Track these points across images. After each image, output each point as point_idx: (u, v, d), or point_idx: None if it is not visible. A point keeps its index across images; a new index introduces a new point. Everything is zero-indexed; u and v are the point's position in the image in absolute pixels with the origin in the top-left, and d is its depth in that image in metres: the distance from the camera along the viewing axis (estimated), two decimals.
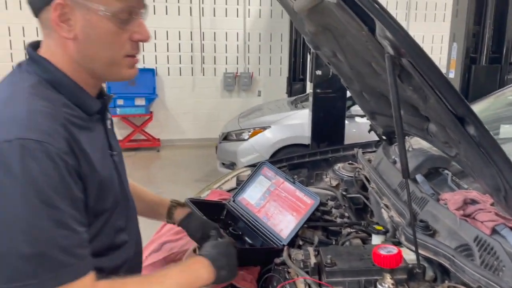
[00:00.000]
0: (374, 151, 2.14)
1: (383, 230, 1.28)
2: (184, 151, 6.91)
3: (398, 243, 1.26)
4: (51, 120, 0.78)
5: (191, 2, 6.83)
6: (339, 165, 2.05)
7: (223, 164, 4.96)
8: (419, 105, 1.26)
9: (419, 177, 1.47)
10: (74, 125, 0.83)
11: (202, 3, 6.86)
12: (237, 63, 7.24)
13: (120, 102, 6.48)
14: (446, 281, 1.02)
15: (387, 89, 1.46)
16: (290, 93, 6.64)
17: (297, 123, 4.66)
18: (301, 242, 1.40)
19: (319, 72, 3.68)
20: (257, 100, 7.14)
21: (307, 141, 4.38)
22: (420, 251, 1.11)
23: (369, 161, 1.97)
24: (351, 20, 1.00)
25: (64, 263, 0.74)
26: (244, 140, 4.78)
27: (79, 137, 0.82)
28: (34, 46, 0.90)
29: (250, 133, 4.78)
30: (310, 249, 1.21)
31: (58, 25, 0.83)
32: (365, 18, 0.92)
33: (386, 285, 0.99)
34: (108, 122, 1.01)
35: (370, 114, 1.94)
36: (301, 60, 6.57)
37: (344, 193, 1.84)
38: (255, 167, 1.62)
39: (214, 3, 6.94)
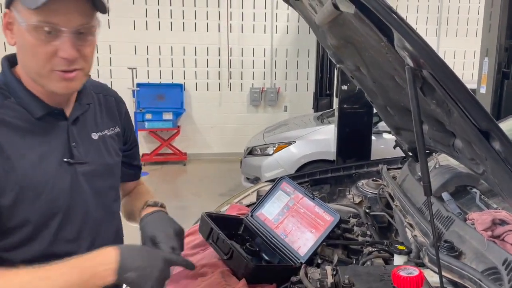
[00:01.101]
0: (400, 168, 2.07)
1: (406, 250, 1.22)
2: (209, 165, 6.94)
3: (421, 265, 1.20)
4: None
5: (219, 19, 6.95)
6: (363, 181, 1.99)
7: (248, 178, 4.94)
8: (443, 120, 1.21)
9: (445, 195, 1.40)
10: (7, 124, 0.89)
11: (230, 19, 6.96)
12: (264, 79, 7.27)
13: (148, 116, 6.61)
14: None
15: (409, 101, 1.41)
16: (316, 108, 6.60)
17: (323, 139, 4.61)
18: (319, 261, 1.35)
19: (345, 87, 3.64)
20: (283, 115, 7.13)
21: (332, 156, 4.31)
22: (444, 274, 1.04)
23: (394, 178, 1.90)
24: (370, 31, 0.98)
25: None
26: (268, 155, 4.76)
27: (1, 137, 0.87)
28: (10, 57, 0.98)
29: (274, 148, 4.76)
30: (328, 268, 1.16)
31: (5, 32, 0.91)
32: (384, 28, 0.89)
33: None
34: (86, 129, 1.03)
35: (395, 129, 1.89)
36: (328, 75, 6.54)
37: (367, 210, 1.78)
38: (274, 182, 1.59)
39: (242, 20, 7.03)
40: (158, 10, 6.80)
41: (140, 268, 0.86)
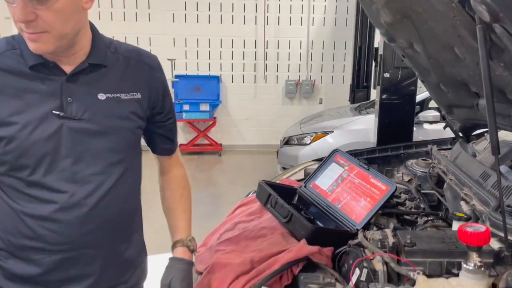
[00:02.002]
0: (449, 149, 2.06)
1: (465, 216, 1.23)
2: (244, 156, 7.02)
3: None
4: None
5: (256, 11, 7.00)
6: (412, 161, 2.00)
7: (284, 168, 4.97)
8: (507, 88, 1.21)
9: (503, 168, 1.40)
10: (7, 69, 0.96)
11: (267, 12, 7.00)
12: (299, 71, 7.28)
13: (186, 107, 6.74)
14: None
15: (469, 74, 1.42)
16: (353, 100, 6.55)
17: (361, 129, 4.58)
18: (375, 229, 1.38)
19: (387, 75, 3.61)
20: (318, 108, 7.11)
21: (371, 147, 4.28)
22: (509, 236, 1.05)
23: (446, 157, 1.90)
24: None
25: None
26: (305, 144, 4.78)
27: None
28: None
29: (312, 138, 4.77)
30: (388, 230, 1.19)
31: None
32: None
33: (472, 264, 0.95)
34: (93, 87, 1.04)
35: (447, 107, 1.88)
36: (365, 67, 6.47)
37: (418, 188, 1.78)
38: (328, 155, 1.63)
39: (279, 12, 7.06)
40: (197, 3, 6.92)
41: None
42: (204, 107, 6.81)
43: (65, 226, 1.01)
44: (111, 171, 1.06)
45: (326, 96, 7.36)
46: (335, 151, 1.62)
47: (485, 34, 0.92)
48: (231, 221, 1.56)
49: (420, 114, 4.29)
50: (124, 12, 6.81)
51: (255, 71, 7.20)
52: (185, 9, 6.91)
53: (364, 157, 2.14)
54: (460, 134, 1.97)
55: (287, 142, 5.05)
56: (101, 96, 1.04)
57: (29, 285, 1.03)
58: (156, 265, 1.31)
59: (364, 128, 4.52)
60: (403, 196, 1.68)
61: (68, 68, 1.01)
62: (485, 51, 0.92)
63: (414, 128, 4.21)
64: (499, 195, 1.07)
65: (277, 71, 7.24)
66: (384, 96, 3.74)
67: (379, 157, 2.12)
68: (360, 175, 1.48)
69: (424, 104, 4.57)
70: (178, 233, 1.23)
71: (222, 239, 1.42)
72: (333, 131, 4.70)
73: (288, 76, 7.25)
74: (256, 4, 6.98)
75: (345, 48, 7.23)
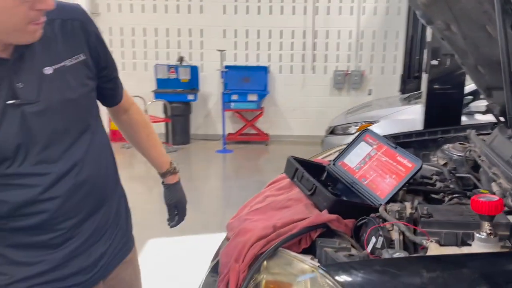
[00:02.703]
0: (490, 134, 2.01)
1: (489, 192, 1.23)
2: (290, 146, 7.07)
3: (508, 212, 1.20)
4: None
5: (305, 2, 6.99)
6: (449, 145, 1.97)
7: None
8: None
9: None
10: None
11: (317, 2, 6.97)
12: (349, 61, 7.18)
13: (234, 97, 6.91)
14: None
15: (498, 52, 1.39)
16: (403, 91, 6.38)
17: (409, 119, 4.48)
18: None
19: (435, 62, 3.51)
20: (367, 99, 6.98)
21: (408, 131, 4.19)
22: None
23: (484, 141, 1.86)
24: None
25: None
26: (350, 134, 4.76)
27: None
28: None
29: (357, 127, 4.74)
30: (408, 204, 1.22)
31: None
32: None
33: (484, 233, 0.97)
34: (35, 64, 0.98)
35: (487, 91, 1.85)
36: (417, 57, 6.28)
37: (453, 172, 1.77)
38: (358, 134, 1.67)
39: (329, 2, 7.00)
40: None
41: None
42: (252, 97, 6.94)
43: (54, 202, 1.03)
44: (80, 142, 1.07)
45: (376, 87, 7.21)
46: (365, 130, 1.65)
47: (503, 4, 0.93)
48: (262, 194, 1.65)
49: (472, 104, 4.13)
50: (178, 5, 7.07)
51: (303, 61, 7.21)
52: (236, 1, 7.05)
53: (400, 140, 2.14)
54: (502, 119, 1.91)
55: (332, 131, 5.05)
56: (48, 70, 0.99)
57: (38, 250, 1.07)
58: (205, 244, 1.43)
59: (411, 118, 4.42)
60: (434, 177, 1.68)
61: (5, 54, 0.95)
62: (502, 21, 0.93)
63: (465, 118, 4.07)
64: None
65: (325, 61, 7.20)
66: (431, 84, 3.64)
67: (415, 141, 2.11)
68: (387, 153, 1.51)
69: (477, 94, 4.38)
70: (163, 165, 1.46)
71: (253, 209, 1.51)
72: (379, 121, 4.64)
73: (336, 67, 7.19)
74: None
75: (397, 38, 7.04)
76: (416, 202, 1.41)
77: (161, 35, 7.15)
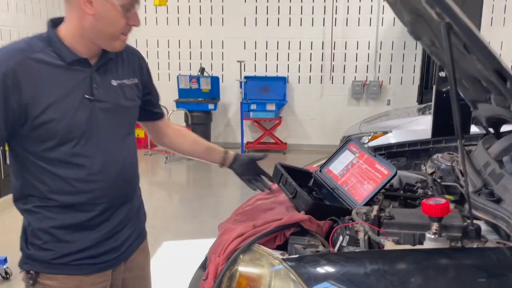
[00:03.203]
0: None
1: (453, 199, 1.33)
2: (308, 155, 7.15)
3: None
4: (9, 55, 1.15)
5: (324, 13, 7.12)
6: (438, 154, 2.05)
7: None
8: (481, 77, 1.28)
9: (505, 159, 1.45)
10: (40, 62, 1.17)
11: (335, 13, 7.09)
12: (367, 72, 7.25)
13: (253, 106, 7.08)
14: (496, 238, 1.06)
15: (475, 69, 1.50)
16: (421, 101, 6.39)
17: (422, 129, 4.51)
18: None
19: (442, 74, 3.56)
20: (386, 109, 7.01)
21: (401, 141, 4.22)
22: (480, 215, 1.15)
23: (469, 151, 1.94)
24: None
25: None
26: (363, 143, 4.82)
27: (36, 70, 1.16)
28: (54, 20, 1.26)
29: (370, 137, 4.80)
30: (375, 206, 1.33)
31: (84, 4, 1.17)
32: None
33: (432, 233, 1.08)
34: (107, 76, 1.30)
35: (472, 103, 1.93)
36: (434, 68, 6.27)
37: (438, 180, 1.85)
38: (342, 144, 1.78)
39: (347, 13, 7.10)
40: (267, 7, 7.23)
41: None
42: (270, 106, 7.09)
43: (99, 184, 1.29)
44: (127, 140, 1.38)
45: (395, 97, 7.24)
46: (349, 140, 1.77)
47: (447, 30, 1.04)
48: (253, 198, 1.79)
49: None
50: (200, 18, 7.35)
51: (321, 72, 7.32)
52: (256, 13, 7.26)
53: (394, 150, 2.23)
54: (491, 130, 1.99)
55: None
56: (114, 82, 1.32)
57: (79, 231, 1.31)
58: None
59: (423, 128, 4.44)
60: (417, 185, 1.77)
61: (92, 61, 1.27)
62: (448, 47, 1.04)
63: (477, 130, 4.07)
64: (464, 176, 1.16)
65: (344, 71, 7.29)
66: (439, 95, 3.69)
67: (408, 151, 2.20)
68: (367, 161, 1.62)
69: None
70: (218, 149, 1.71)
71: (241, 211, 1.65)
72: (391, 131, 4.69)
73: (355, 77, 7.26)
74: (325, 6, 7.10)
75: (416, 48, 7.06)
76: (391, 206, 1.51)
77: (184, 47, 7.43)
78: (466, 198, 1.09)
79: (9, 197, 1.41)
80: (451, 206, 1.32)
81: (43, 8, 6.11)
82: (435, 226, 1.08)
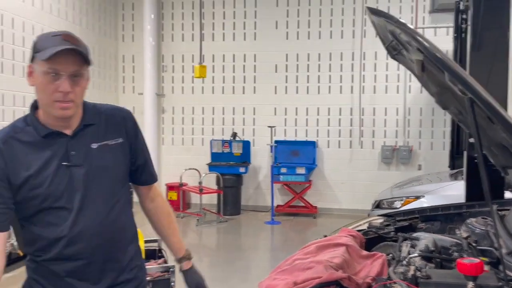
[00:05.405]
0: None
1: (487, 260, 1.37)
2: (339, 220, 7.09)
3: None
4: None
5: (352, 81, 7.42)
6: (472, 219, 2.09)
7: None
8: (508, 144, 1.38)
9: None
10: (20, 141, 1.34)
11: (363, 82, 7.37)
12: (396, 137, 7.34)
13: (283, 170, 7.22)
14: None
15: (502, 137, 1.60)
16: (452, 166, 6.35)
17: (455, 194, 4.47)
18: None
19: (472, 140, 3.63)
20: (417, 174, 6.99)
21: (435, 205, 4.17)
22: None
23: (503, 216, 1.97)
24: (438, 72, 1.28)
25: None
26: (395, 208, 4.80)
27: (17, 148, 1.32)
28: (34, 104, 1.42)
29: (402, 202, 4.79)
30: (412, 266, 1.39)
31: (28, 78, 1.35)
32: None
33: None
34: (86, 141, 1.40)
35: (503, 169, 1.99)
36: (464, 133, 6.31)
37: (474, 244, 1.88)
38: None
39: (375, 81, 7.38)
40: (297, 76, 7.62)
41: None
42: (300, 170, 7.20)
43: (79, 245, 1.36)
44: (109, 199, 1.43)
45: (426, 162, 7.24)
46: None
47: (471, 104, 1.18)
48: (292, 258, 1.86)
49: None
50: (233, 86, 7.79)
51: (350, 136, 7.48)
52: (286, 82, 7.65)
53: (427, 214, 2.28)
54: None
55: (377, 205, 5.12)
56: (94, 145, 1.41)
57: (58, 280, 1.39)
58: None
59: (457, 193, 4.42)
60: (453, 248, 1.81)
61: (68, 131, 1.39)
62: (473, 118, 1.17)
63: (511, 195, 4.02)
64: (496, 238, 1.22)
65: (373, 136, 7.42)
66: (470, 161, 3.72)
67: (441, 215, 2.24)
68: None
69: None
70: (180, 251, 1.67)
71: (280, 270, 1.72)
72: (424, 196, 4.67)
73: (384, 142, 7.36)
74: (352, 75, 7.42)
75: (445, 115, 7.15)
76: (427, 267, 1.56)
77: (217, 113, 7.83)
78: (500, 259, 1.15)
79: None
80: (486, 267, 1.37)
81: (62, 9, 6.47)
82: (470, 285, 1.13)
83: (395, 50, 1.88)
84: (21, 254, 4.39)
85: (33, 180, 1.32)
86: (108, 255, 1.42)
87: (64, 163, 1.36)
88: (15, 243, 4.35)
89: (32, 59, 1.34)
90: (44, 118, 1.38)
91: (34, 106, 1.41)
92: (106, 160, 1.42)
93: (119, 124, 1.49)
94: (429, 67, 1.37)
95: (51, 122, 1.37)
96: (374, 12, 1.52)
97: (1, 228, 1.32)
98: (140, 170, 1.56)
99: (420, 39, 1.21)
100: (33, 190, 1.32)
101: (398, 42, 1.64)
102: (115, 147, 1.45)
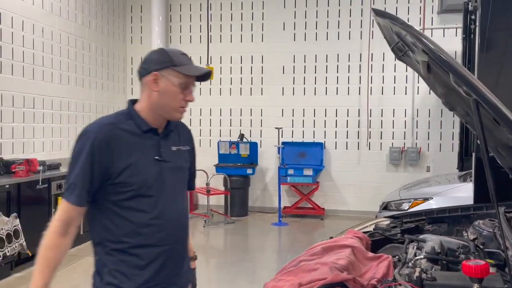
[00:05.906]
0: None
1: (494, 262, 1.36)
2: (347, 221, 7.07)
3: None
4: (103, 125, 1.49)
5: (360, 83, 7.40)
6: (479, 221, 2.07)
7: None
8: None
9: None
10: (125, 131, 1.50)
11: (371, 83, 7.35)
12: (404, 138, 7.30)
13: (290, 171, 7.22)
14: None
15: (508, 138, 1.59)
16: (461, 168, 6.29)
17: (463, 196, 4.44)
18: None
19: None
20: (425, 175, 6.95)
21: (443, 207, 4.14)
22: None
23: (511, 218, 1.95)
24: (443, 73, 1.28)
25: (69, 189, 1.46)
26: (403, 210, 4.77)
27: (121, 137, 1.48)
28: (133, 100, 1.61)
29: (410, 204, 4.76)
30: (417, 268, 1.39)
31: (152, 83, 1.51)
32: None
33: None
34: (169, 143, 1.60)
35: (510, 170, 1.98)
36: (473, 135, 6.26)
37: (481, 246, 1.87)
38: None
39: (383, 83, 7.35)
40: (304, 77, 7.62)
41: None
42: (308, 171, 7.19)
43: (161, 227, 1.53)
44: (181, 193, 1.67)
45: (434, 163, 7.19)
46: None
47: (477, 105, 1.17)
48: (298, 259, 1.86)
49: None
50: (240, 88, 7.81)
51: (358, 138, 7.45)
52: (293, 83, 7.65)
53: (434, 216, 2.27)
54: None
55: (385, 207, 5.09)
56: (173, 148, 1.64)
57: (138, 270, 1.51)
58: None
59: (465, 195, 4.38)
60: (460, 250, 1.80)
61: (159, 131, 1.60)
62: (478, 120, 1.16)
63: None
64: (503, 240, 1.22)
65: (380, 138, 7.38)
66: (478, 162, 3.69)
67: (449, 217, 2.23)
68: None
69: None
70: (190, 251, 1.77)
71: (285, 271, 1.73)
72: (432, 198, 4.64)
73: (392, 143, 7.32)
74: (360, 76, 7.40)
75: (453, 116, 7.10)
76: (433, 269, 1.55)
77: (225, 115, 7.85)
78: (506, 261, 1.14)
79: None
80: (492, 269, 1.36)
81: (71, 12, 6.72)
82: (475, 287, 1.13)
83: (401, 51, 1.87)
84: (30, 254, 4.45)
85: (134, 167, 1.49)
86: (183, 242, 1.63)
87: (156, 158, 1.55)
88: (24, 243, 4.40)
89: (161, 69, 1.51)
90: (147, 116, 1.56)
91: (133, 102, 1.61)
92: (181, 162, 1.66)
93: (188, 134, 1.76)
94: (434, 69, 1.36)
95: (152, 120, 1.56)
96: (379, 13, 1.52)
97: (84, 204, 1.47)
98: (190, 177, 1.77)
99: (425, 40, 1.21)
100: (132, 176, 1.48)
101: (404, 43, 1.63)
102: (185, 152, 1.69)
